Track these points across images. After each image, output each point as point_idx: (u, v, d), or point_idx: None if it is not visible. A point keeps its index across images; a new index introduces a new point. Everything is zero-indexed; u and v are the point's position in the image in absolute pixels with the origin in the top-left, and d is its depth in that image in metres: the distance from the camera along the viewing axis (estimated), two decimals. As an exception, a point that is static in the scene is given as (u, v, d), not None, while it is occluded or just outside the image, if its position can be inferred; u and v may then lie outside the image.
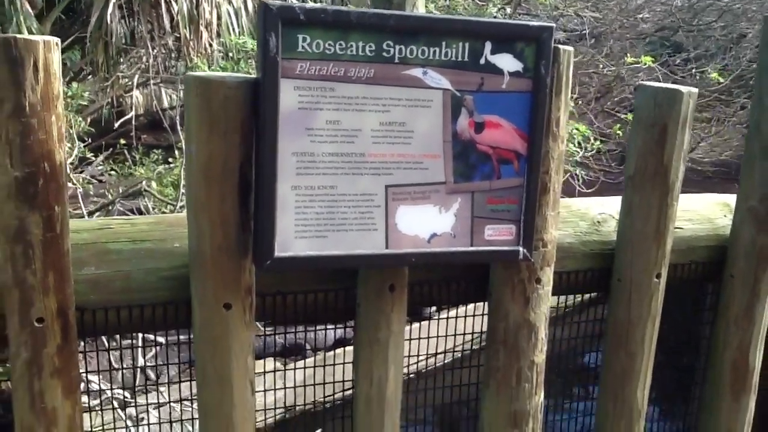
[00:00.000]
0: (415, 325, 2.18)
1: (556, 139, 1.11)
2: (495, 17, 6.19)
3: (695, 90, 1.23)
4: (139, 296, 1.07)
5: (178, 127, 4.07)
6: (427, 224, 1.04)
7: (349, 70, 0.96)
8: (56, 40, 0.93)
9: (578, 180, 5.79)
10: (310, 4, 1.11)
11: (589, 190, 5.79)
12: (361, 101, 0.97)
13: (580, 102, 6.64)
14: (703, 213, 1.44)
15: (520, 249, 1.09)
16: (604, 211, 1.36)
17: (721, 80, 7.66)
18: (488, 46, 1.01)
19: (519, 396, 1.21)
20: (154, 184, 3.46)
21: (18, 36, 0.89)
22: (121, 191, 3.68)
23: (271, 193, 0.95)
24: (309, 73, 0.94)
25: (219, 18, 5.62)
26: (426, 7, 6.06)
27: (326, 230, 1.00)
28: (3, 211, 0.93)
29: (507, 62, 1.03)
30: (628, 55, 7.74)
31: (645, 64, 6.70)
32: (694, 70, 9.04)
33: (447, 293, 1.22)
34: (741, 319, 1.38)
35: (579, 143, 5.38)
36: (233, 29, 5.80)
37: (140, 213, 3.53)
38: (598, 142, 5.56)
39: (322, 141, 0.97)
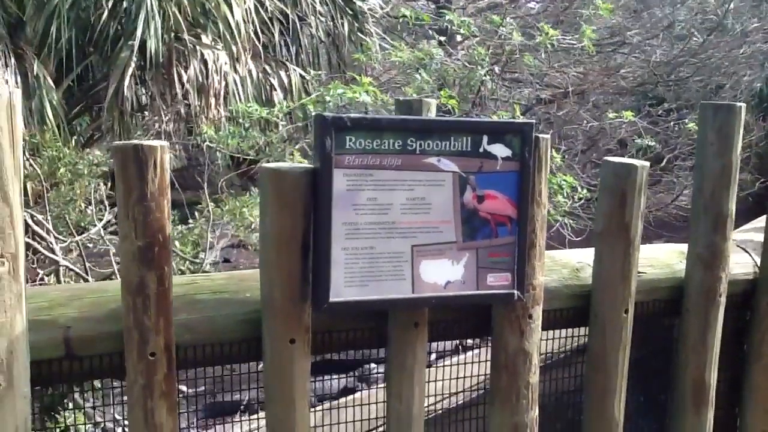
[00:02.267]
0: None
1: (539, 205, 1.43)
2: (483, 80, 6.59)
3: (647, 164, 1.57)
4: (220, 336, 1.37)
5: (205, 188, 4.40)
6: (443, 274, 1.36)
7: (383, 160, 1.29)
8: (166, 144, 1.26)
9: (567, 229, 6.13)
10: (355, 114, 1.44)
11: (578, 239, 6.12)
12: (392, 183, 1.30)
13: (566, 156, 7.03)
14: (662, 260, 1.77)
15: (515, 292, 1.41)
16: (581, 260, 1.68)
17: (697, 128, 8.09)
18: (485, 138, 1.35)
19: (518, 410, 1.51)
20: (177, 243, 3.77)
21: (144, 143, 1.22)
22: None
23: (326, 253, 1.27)
24: (354, 164, 1.27)
25: (226, 86, 6.02)
26: (419, 73, 6.43)
27: (367, 280, 1.31)
28: (129, 271, 1.24)
29: (499, 150, 1.36)
30: (610, 110, 8.19)
31: (626, 118, 7.10)
32: (673, 123, 9.48)
33: (459, 329, 1.53)
34: (697, 345, 1.69)
35: (567, 194, 5.72)
36: (239, 96, 6.20)
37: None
38: (585, 191, 5.90)
39: (364, 213, 1.29)
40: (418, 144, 1.31)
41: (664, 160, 9.79)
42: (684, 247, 1.76)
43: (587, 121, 7.40)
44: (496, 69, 7.68)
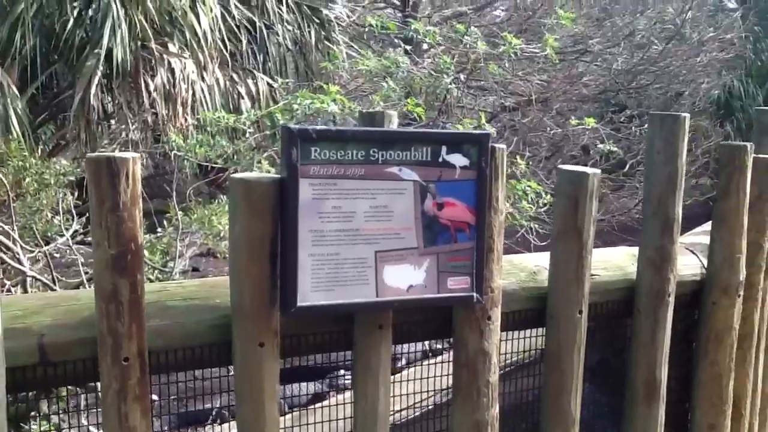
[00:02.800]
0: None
1: (496, 212, 1.51)
2: (449, 88, 6.69)
3: (598, 171, 1.65)
4: (191, 341, 1.42)
5: (174, 197, 4.42)
6: (406, 278, 1.42)
7: (347, 170, 1.35)
8: (137, 155, 1.31)
9: (533, 234, 6.25)
10: (320, 126, 1.51)
11: (543, 243, 6.24)
12: (356, 192, 1.37)
13: (531, 162, 7.16)
14: (615, 263, 1.86)
15: (474, 294, 1.48)
16: (538, 264, 1.76)
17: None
18: (444, 148, 1.42)
19: (479, 408, 1.58)
20: (146, 252, 3.77)
21: (116, 155, 1.27)
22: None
23: (293, 259, 1.33)
24: (319, 173, 1.33)
25: (194, 94, 6.03)
26: (386, 82, 6.49)
27: (333, 285, 1.37)
28: (102, 279, 1.28)
29: (458, 159, 1.43)
30: (573, 117, 8.36)
31: (588, 125, 7.26)
32: (635, 129, 9.70)
33: (422, 331, 1.60)
34: (648, 344, 1.78)
35: (532, 199, 5.83)
36: (207, 104, 6.21)
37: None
38: (549, 197, 6.02)
39: (329, 221, 1.35)
40: (381, 154, 1.37)
41: (627, 166, 10.02)
42: (636, 250, 1.85)
43: (551, 128, 7.55)
44: (462, 77, 7.79)
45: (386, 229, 1.40)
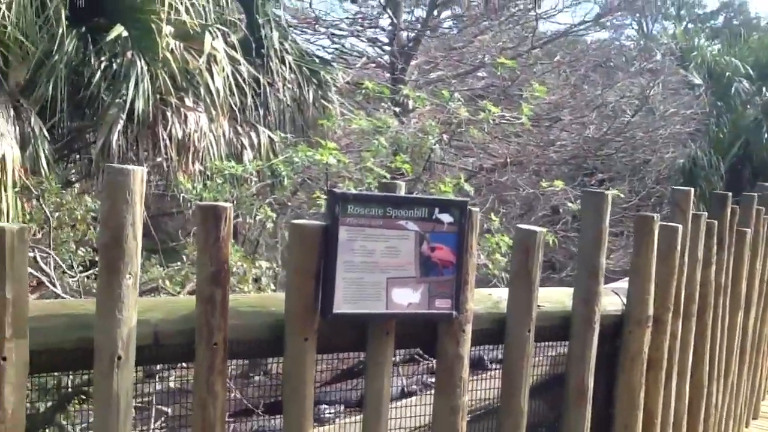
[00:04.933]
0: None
1: (471, 255, 2.15)
2: (432, 148, 7.40)
3: (544, 230, 2.31)
4: (255, 336, 2.03)
5: (191, 234, 5.01)
6: (407, 298, 2.05)
7: (371, 221, 1.99)
8: (230, 206, 1.93)
9: (503, 283, 6.90)
10: (354, 191, 2.14)
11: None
12: (376, 236, 2.00)
13: (504, 218, 7.87)
14: (557, 298, 2.50)
15: (453, 312, 2.11)
16: (501, 296, 2.40)
17: (621, 196, 9.07)
18: (437, 209, 2.07)
19: (454, 397, 2.19)
20: (168, 282, 4.37)
21: (219, 204, 1.89)
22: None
23: (332, 281, 1.95)
24: (352, 223, 1.97)
25: (203, 143, 6.68)
26: (377, 139, 7.19)
27: (357, 300, 1.99)
28: (203, 287, 1.89)
29: (446, 217, 2.08)
30: (544, 179, 9.11)
31: (557, 187, 8.00)
32: (605, 190, 10.47)
33: (415, 338, 2.22)
34: (579, 359, 2.42)
35: (504, 252, 6.49)
36: (213, 153, 6.86)
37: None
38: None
39: (357, 255, 1.98)
40: (393, 212, 2.02)
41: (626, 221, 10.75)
42: (572, 290, 2.49)
43: (523, 188, 8.28)
44: (445, 137, 8.54)
45: (395, 263, 2.03)
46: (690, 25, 24.46)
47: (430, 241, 2.07)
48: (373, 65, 12.22)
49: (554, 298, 2.51)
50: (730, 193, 3.57)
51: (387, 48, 12.19)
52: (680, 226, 2.67)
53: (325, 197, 6.21)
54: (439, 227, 2.08)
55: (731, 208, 3.50)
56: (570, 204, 8.27)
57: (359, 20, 12.81)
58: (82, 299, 3.10)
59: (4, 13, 5.67)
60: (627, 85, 12.64)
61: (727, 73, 15.36)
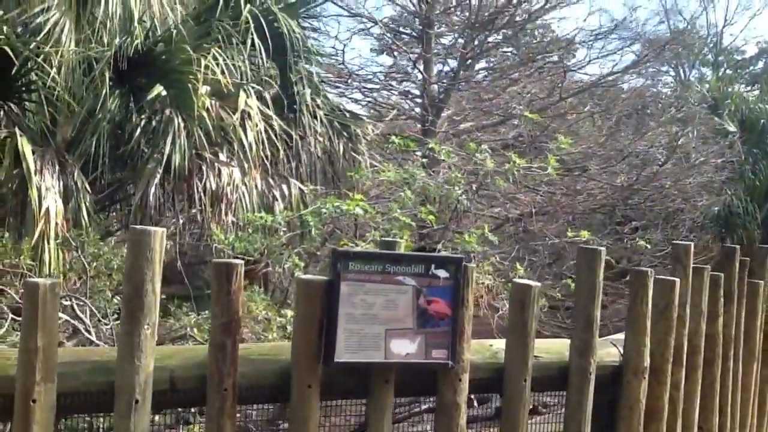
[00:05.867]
0: None
1: (466, 308, 2.29)
2: (459, 199, 7.56)
3: (539, 284, 2.44)
4: (263, 382, 2.19)
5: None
6: (405, 348, 2.20)
7: (371, 277, 2.16)
8: (242, 262, 2.12)
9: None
10: (355, 248, 2.31)
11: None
12: (375, 291, 2.16)
13: (530, 268, 7.94)
14: (555, 349, 2.61)
15: (450, 362, 2.25)
16: (499, 347, 2.52)
17: (648, 247, 9.08)
18: (433, 265, 2.22)
19: (452, 443, 2.31)
20: (196, 330, 4.56)
21: (230, 261, 2.08)
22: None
23: (334, 331, 2.11)
24: (353, 278, 2.14)
25: (236, 195, 6.95)
26: (404, 191, 7.39)
27: (357, 349, 2.14)
28: (215, 337, 2.07)
29: (442, 273, 2.23)
30: (571, 229, 9.19)
31: (583, 237, 8.07)
32: (637, 239, 10.47)
33: (414, 386, 2.35)
34: (576, 406, 2.51)
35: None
36: (245, 205, 7.12)
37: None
38: (543, 300, 6.77)
39: (357, 308, 2.14)
40: (392, 268, 2.18)
41: (628, 275, 10.70)
42: (569, 341, 2.61)
43: (549, 238, 8.35)
44: (473, 186, 8.70)
45: (393, 316, 2.18)
46: (728, 71, 24.37)
47: (427, 295, 2.22)
48: (404, 117, 12.53)
49: (553, 348, 2.62)
50: (738, 247, 3.65)
51: (418, 100, 12.50)
52: (677, 280, 2.77)
53: (352, 246, 6.42)
54: (435, 282, 2.23)
55: (741, 261, 3.57)
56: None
57: (392, 74, 13.19)
58: (107, 347, 3.31)
59: (54, 76, 6.07)
60: (658, 133, 12.69)
61: (762, 120, 15.29)
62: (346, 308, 2.13)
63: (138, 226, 2.03)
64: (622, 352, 2.70)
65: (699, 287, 3.04)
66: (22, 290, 4.52)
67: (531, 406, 2.52)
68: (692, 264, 2.99)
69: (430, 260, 2.23)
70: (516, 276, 6.83)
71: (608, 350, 2.69)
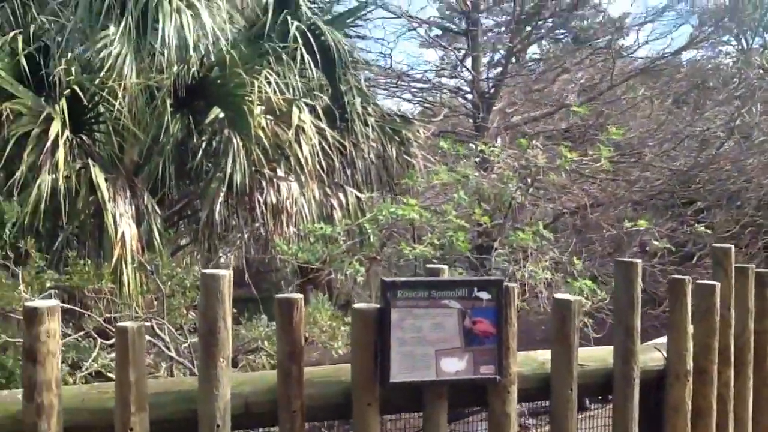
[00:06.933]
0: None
1: (510, 326, 2.47)
2: (514, 196, 7.66)
3: (580, 298, 2.59)
4: (327, 402, 2.42)
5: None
6: (454, 365, 2.39)
7: (418, 302, 2.36)
8: (301, 297, 2.35)
9: (589, 327, 7.03)
10: (403, 278, 2.52)
11: (598, 335, 6.99)
12: (423, 315, 2.36)
13: (587, 261, 7.98)
14: (599, 356, 2.76)
15: (497, 377, 2.43)
16: (546, 358, 2.68)
17: (708, 232, 8.97)
18: (475, 289, 2.41)
19: (504, 450, 2.49)
20: (267, 343, 4.85)
21: (290, 296, 2.31)
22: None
23: (387, 354, 2.32)
24: (402, 305, 2.34)
25: (296, 208, 7.24)
26: (457, 193, 7.53)
27: (410, 370, 2.35)
28: (282, 364, 2.31)
29: (484, 295, 2.42)
30: (633, 215, 9.17)
31: (641, 226, 8.05)
32: (696, 225, 10.34)
33: (465, 400, 2.55)
34: (622, 410, 2.66)
35: (587, 296, 6.64)
36: (305, 216, 7.41)
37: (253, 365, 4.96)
38: (603, 293, 6.83)
39: (407, 332, 2.35)
40: (437, 293, 2.38)
41: (695, 258, 10.60)
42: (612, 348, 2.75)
43: (606, 230, 8.37)
44: (528, 181, 8.78)
45: (441, 337, 2.38)
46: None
47: (472, 316, 2.41)
48: (456, 114, 12.65)
49: (597, 356, 2.77)
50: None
51: (468, 96, 12.59)
52: (717, 284, 2.87)
53: (410, 248, 6.62)
54: (478, 304, 2.41)
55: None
56: (655, 242, 8.28)
57: (441, 71, 13.31)
58: (190, 377, 3.60)
59: (119, 106, 6.47)
60: (717, 112, 12.43)
61: (829, 91, 14.76)
62: (396, 333, 2.33)
63: (207, 271, 2.28)
64: (665, 356, 2.83)
65: (744, 287, 3.12)
66: (106, 314, 4.91)
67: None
68: (735, 264, 3.08)
69: (472, 284, 2.41)
70: (575, 270, 6.93)
71: (652, 355, 2.82)
